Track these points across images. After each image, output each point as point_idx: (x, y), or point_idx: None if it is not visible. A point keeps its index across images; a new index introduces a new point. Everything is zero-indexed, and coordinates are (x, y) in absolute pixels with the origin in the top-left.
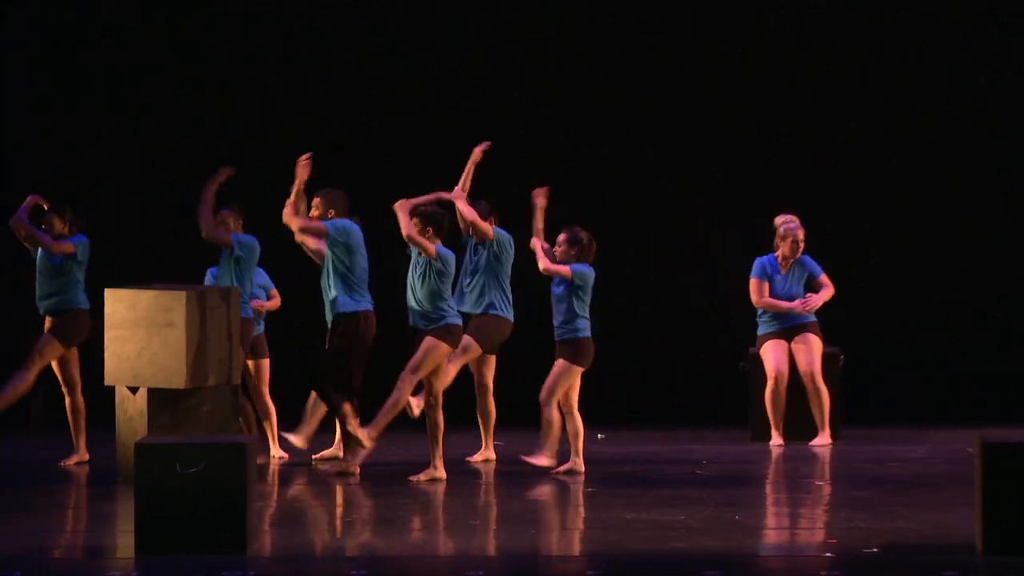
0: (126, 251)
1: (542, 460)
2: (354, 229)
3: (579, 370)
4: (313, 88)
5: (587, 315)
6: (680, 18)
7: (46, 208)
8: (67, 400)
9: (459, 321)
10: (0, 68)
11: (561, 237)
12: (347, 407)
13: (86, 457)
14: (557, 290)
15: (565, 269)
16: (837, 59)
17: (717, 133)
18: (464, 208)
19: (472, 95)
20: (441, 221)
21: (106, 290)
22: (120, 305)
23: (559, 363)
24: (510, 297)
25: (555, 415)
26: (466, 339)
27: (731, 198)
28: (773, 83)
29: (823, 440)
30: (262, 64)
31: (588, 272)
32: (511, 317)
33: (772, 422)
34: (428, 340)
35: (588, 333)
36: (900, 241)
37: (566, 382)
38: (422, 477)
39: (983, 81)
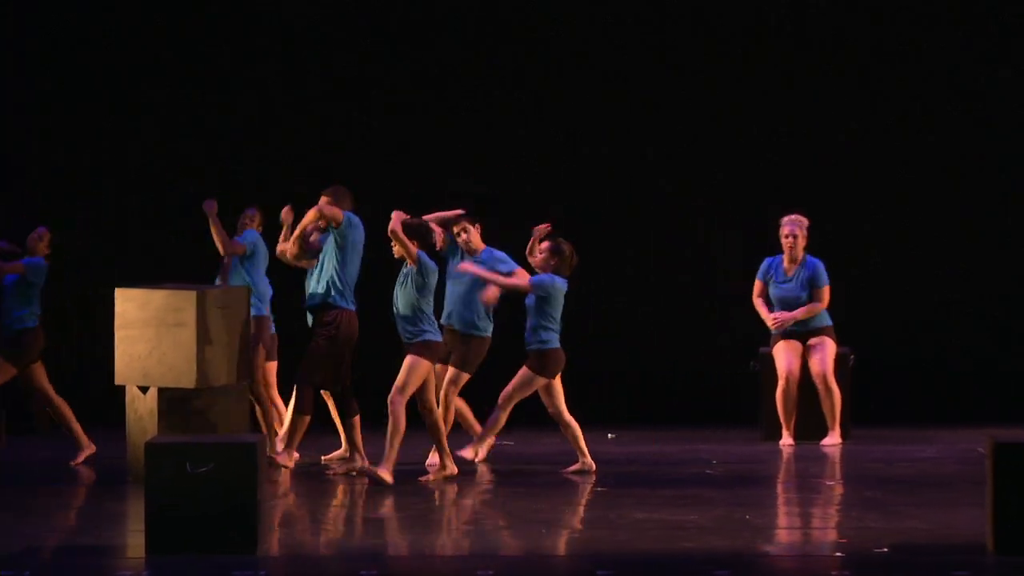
0: (126, 251)
1: (467, 452)
2: (360, 228)
3: (542, 380)
4: (313, 88)
5: (555, 326)
6: (680, 18)
7: (18, 250)
8: (47, 410)
9: (438, 337)
10: (0, 68)
11: (544, 244)
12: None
13: (93, 448)
14: (529, 299)
15: (523, 283)
16: (837, 59)
17: (717, 133)
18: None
19: (472, 95)
20: (426, 234)
21: (116, 290)
22: (130, 305)
23: (523, 371)
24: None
25: (503, 419)
26: (453, 372)
27: (731, 198)
28: (773, 83)
29: (833, 440)
30: (262, 64)
31: (551, 283)
32: (489, 333)
33: (782, 421)
34: (409, 359)
35: (555, 344)
36: (900, 241)
37: (526, 390)
38: (432, 477)
39: (983, 81)
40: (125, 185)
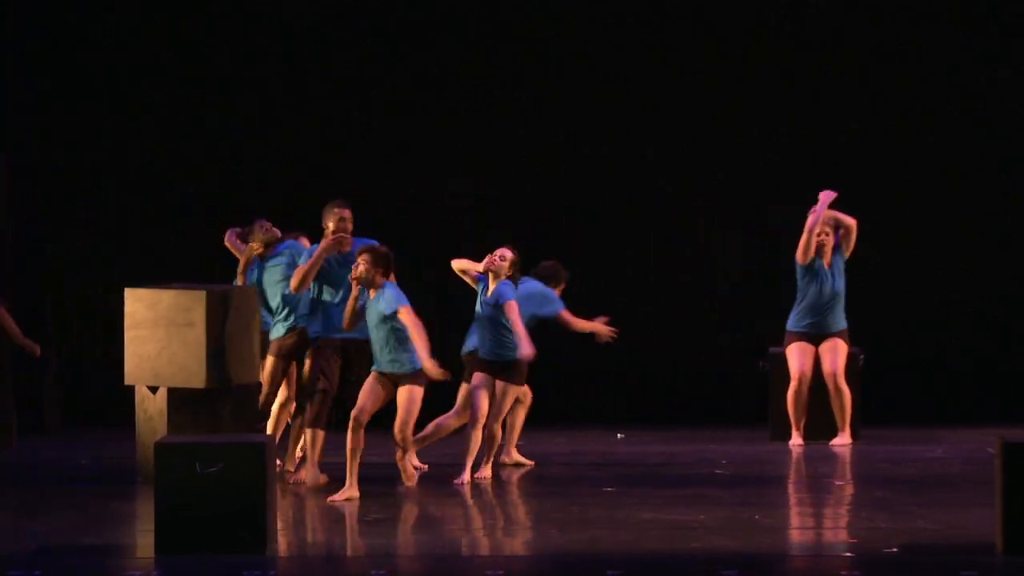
0: (126, 251)
1: (487, 472)
2: None
3: (519, 389)
4: (313, 88)
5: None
6: (680, 18)
7: None
8: None
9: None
10: (0, 68)
11: (509, 254)
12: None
13: None
14: (485, 311)
15: (517, 315)
16: (837, 59)
17: (717, 133)
18: None
19: (472, 95)
20: (391, 261)
21: (126, 290)
22: (140, 305)
23: (499, 385)
24: None
25: (498, 434)
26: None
27: (731, 198)
28: (773, 83)
29: (843, 440)
30: (262, 64)
31: (513, 293)
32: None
33: (793, 422)
34: (403, 391)
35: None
36: (900, 241)
37: (509, 402)
38: (339, 497)
39: (983, 81)
40: (125, 185)
